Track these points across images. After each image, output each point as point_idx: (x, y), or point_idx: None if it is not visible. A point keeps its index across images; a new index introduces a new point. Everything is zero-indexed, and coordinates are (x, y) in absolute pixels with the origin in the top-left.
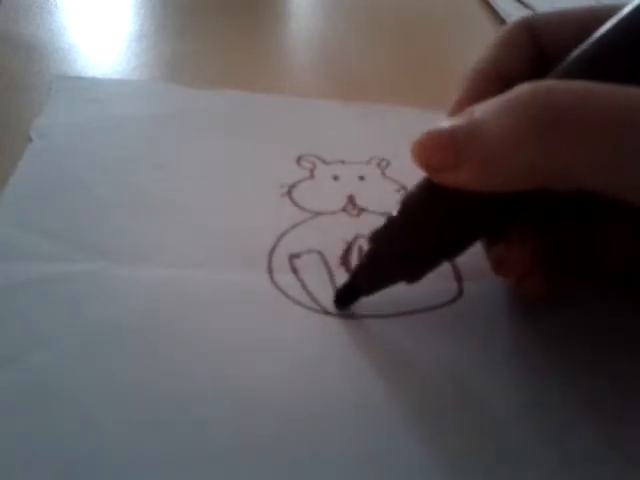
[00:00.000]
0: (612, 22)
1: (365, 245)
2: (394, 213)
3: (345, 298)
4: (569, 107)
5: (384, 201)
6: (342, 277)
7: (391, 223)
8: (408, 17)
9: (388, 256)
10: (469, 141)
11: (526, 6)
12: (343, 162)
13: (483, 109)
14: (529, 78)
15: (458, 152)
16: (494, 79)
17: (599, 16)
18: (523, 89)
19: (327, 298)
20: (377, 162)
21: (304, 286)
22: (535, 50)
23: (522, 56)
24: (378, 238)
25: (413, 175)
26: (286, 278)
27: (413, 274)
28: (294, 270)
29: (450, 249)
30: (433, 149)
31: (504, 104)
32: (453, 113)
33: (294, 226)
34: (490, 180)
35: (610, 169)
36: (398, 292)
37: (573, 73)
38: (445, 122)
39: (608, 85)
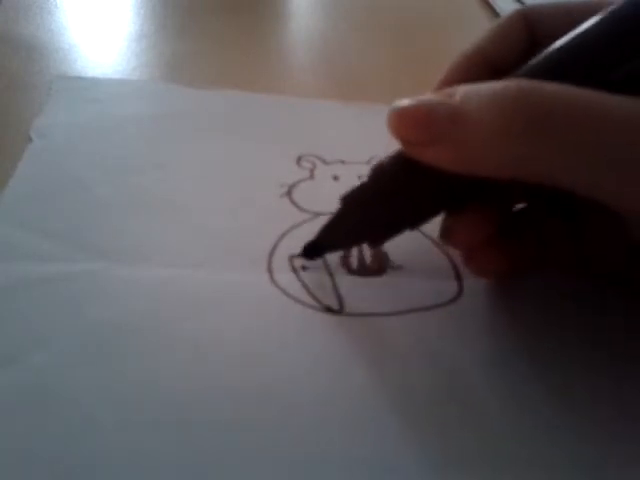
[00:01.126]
0: (580, 28)
1: (365, 245)
2: (366, 179)
3: (311, 252)
4: (557, 107)
5: None
6: (342, 277)
7: (362, 188)
8: (408, 17)
9: (354, 219)
10: (449, 122)
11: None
12: (343, 162)
13: (467, 93)
14: (518, 67)
15: (435, 130)
16: (482, 65)
17: (593, 9)
18: (514, 83)
19: (327, 297)
20: None
21: (304, 285)
22: (528, 41)
23: (514, 45)
24: (348, 200)
25: None
26: (286, 278)
27: (376, 239)
28: (294, 270)
29: (415, 220)
30: (409, 123)
31: (492, 93)
32: (440, 86)
33: (294, 226)
34: (463, 163)
35: (588, 171)
36: (398, 292)
37: (540, 71)
38: (425, 97)
39: (590, 91)
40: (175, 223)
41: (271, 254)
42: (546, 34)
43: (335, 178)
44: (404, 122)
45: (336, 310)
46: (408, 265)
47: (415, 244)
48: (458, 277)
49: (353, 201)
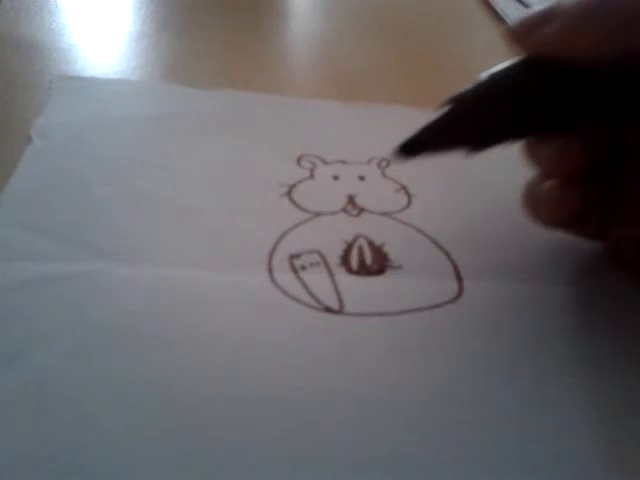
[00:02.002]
0: None
1: (365, 245)
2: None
3: (406, 151)
4: None
5: (384, 201)
6: (342, 277)
7: (474, 91)
8: (408, 17)
9: (460, 121)
10: (551, 11)
11: (526, 6)
12: (343, 162)
13: None
14: None
15: (546, 16)
16: None
17: None
18: None
19: (327, 297)
20: (377, 162)
21: (304, 285)
22: None
23: None
24: (458, 101)
25: (413, 175)
26: (286, 277)
27: (478, 144)
28: (294, 270)
29: (519, 132)
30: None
31: None
32: None
33: (294, 226)
34: (563, 41)
35: None
36: (398, 292)
37: None
38: None
39: None
40: (175, 223)
41: (271, 254)
42: None
43: (335, 178)
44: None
45: (336, 310)
46: (408, 265)
47: (415, 244)
48: (458, 277)
49: (462, 103)
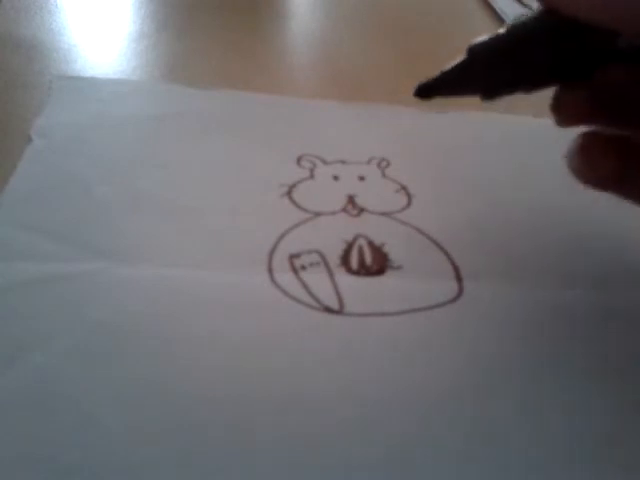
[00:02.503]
0: None
1: (365, 245)
2: (501, 31)
3: (426, 89)
4: None
5: (384, 201)
6: (342, 277)
7: (494, 39)
8: (408, 17)
9: (478, 65)
10: None
11: (526, 6)
12: (343, 162)
13: None
14: None
15: None
16: None
17: None
18: None
19: (327, 297)
20: (377, 162)
21: (304, 285)
22: None
23: None
24: (476, 49)
25: (413, 175)
26: (286, 277)
27: (491, 92)
28: (294, 270)
29: (534, 81)
30: None
31: None
32: None
33: (294, 226)
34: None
35: None
36: (398, 292)
37: None
38: None
39: None
40: (175, 223)
41: (271, 254)
42: None
43: (335, 178)
44: None
45: (336, 310)
46: (408, 265)
47: (415, 244)
48: (458, 277)
49: (481, 50)
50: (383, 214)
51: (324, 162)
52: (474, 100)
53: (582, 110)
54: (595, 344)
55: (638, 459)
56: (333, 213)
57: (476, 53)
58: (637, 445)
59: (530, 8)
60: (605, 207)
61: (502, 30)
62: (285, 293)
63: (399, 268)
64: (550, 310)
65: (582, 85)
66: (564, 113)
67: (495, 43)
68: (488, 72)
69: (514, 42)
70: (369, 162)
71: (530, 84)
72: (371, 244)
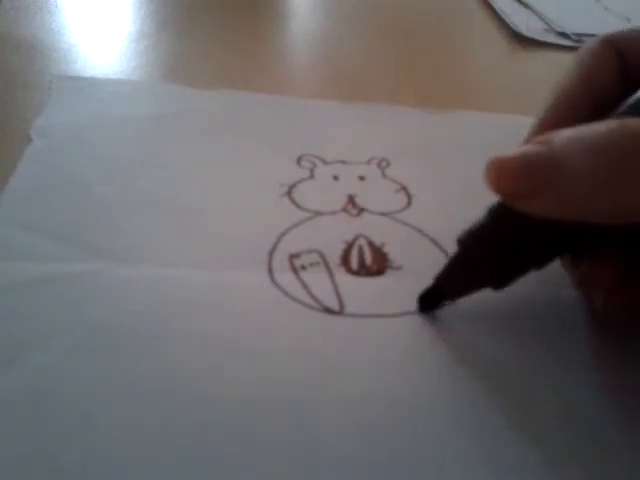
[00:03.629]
0: None
1: (365, 245)
2: (482, 219)
3: (429, 302)
4: None
5: (384, 201)
6: (342, 277)
7: (480, 228)
8: (408, 17)
9: (472, 262)
10: (548, 172)
11: (526, 6)
12: (343, 162)
13: (566, 140)
14: (614, 97)
15: (534, 182)
16: (580, 98)
17: None
18: (612, 128)
19: (327, 297)
20: (377, 162)
21: (304, 285)
22: (620, 68)
23: (607, 74)
24: (465, 241)
25: (413, 175)
26: (286, 278)
27: (500, 282)
28: (294, 270)
29: (538, 261)
30: (508, 175)
31: (594, 140)
32: (538, 131)
33: (294, 226)
34: (567, 213)
35: None
36: (398, 292)
37: None
38: (524, 148)
39: None
40: (175, 223)
41: (271, 254)
42: (635, 58)
43: (335, 178)
44: (503, 175)
45: (336, 311)
46: (408, 265)
47: (415, 244)
48: None
49: (471, 242)
50: (383, 214)
51: (324, 162)
52: (474, 100)
53: (606, 282)
54: (596, 343)
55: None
56: (333, 213)
57: (466, 244)
58: (638, 445)
59: (531, 9)
60: None
61: (484, 215)
62: (285, 293)
63: (399, 268)
64: (549, 309)
65: (598, 256)
66: (589, 288)
67: (482, 229)
68: (485, 261)
69: (500, 226)
70: (369, 162)
71: (535, 263)
72: (371, 244)
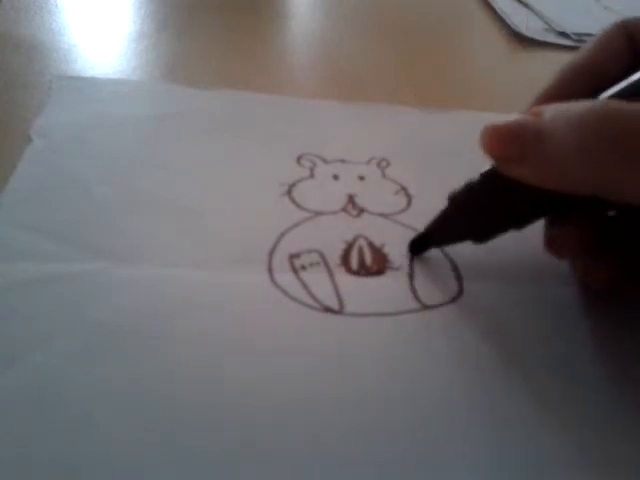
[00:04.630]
0: None
1: (365, 246)
2: (474, 180)
3: (418, 246)
4: (634, 131)
5: (384, 201)
6: (342, 277)
7: (470, 188)
8: (408, 17)
9: (462, 216)
10: (535, 139)
11: (526, 6)
12: (343, 161)
13: (555, 112)
14: (620, 76)
15: (521, 147)
16: (583, 79)
17: None
18: (600, 103)
19: (327, 297)
20: (377, 162)
21: (304, 285)
22: (630, 52)
23: (616, 57)
24: (456, 199)
25: (413, 175)
26: (286, 277)
27: (481, 236)
28: (294, 270)
29: (518, 222)
30: (499, 139)
31: (579, 113)
32: (539, 102)
33: (294, 226)
34: (546, 180)
35: None
36: (398, 292)
37: (633, 90)
38: (518, 117)
39: None
40: (175, 223)
41: (271, 254)
42: None
43: (335, 177)
44: (494, 139)
45: (336, 310)
46: (408, 265)
47: None
48: (458, 277)
49: (460, 200)
50: (383, 215)
51: (324, 161)
52: (474, 100)
53: (573, 245)
54: (596, 343)
55: (639, 459)
56: (333, 213)
57: (456, 201)
58: (638, 445)
59: (531, 9)
60: None
61: (477, 178)
62: (285, 293)
63: (399, 268)
64: (550, 309)
65: (569, 220)
66: (555, 248)
67: (473, 190)
68: (471, 218)
69: (490, 188)
70: (369, 162)
71: (515, 223)
72: (371, 245)
